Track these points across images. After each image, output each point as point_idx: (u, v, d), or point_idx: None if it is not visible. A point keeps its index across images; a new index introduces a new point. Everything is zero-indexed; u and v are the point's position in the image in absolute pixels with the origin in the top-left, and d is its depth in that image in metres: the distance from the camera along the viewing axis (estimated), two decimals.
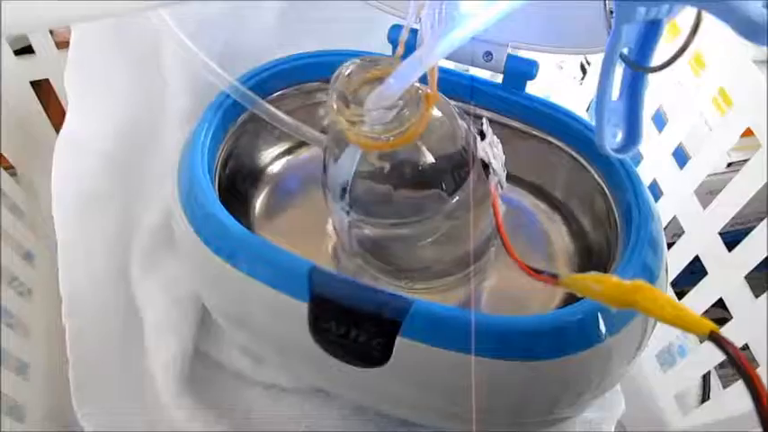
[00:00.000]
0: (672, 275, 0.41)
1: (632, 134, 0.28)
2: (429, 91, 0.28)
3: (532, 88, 0.38)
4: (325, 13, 0.45)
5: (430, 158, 0.30)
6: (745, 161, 0.35)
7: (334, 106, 0.28)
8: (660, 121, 0.43)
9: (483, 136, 0.31)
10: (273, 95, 0.39)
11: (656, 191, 0.43)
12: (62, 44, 0.49)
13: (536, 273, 0.26)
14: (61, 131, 0.43)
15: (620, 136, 0.29)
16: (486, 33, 0.36)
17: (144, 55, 0.42)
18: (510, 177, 0.40)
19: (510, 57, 0.36)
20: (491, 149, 0.30)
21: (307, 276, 0.31)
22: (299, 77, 0.40)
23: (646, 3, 0.21)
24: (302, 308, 0.31)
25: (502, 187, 0.31)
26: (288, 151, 0.43)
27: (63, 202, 0.43)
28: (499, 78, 0.38)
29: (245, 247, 0.32)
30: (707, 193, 0.40)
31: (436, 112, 0.31)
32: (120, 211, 0.44)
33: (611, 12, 0.24)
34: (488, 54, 0.36)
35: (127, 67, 0.43)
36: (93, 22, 0.39)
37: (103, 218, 0.44)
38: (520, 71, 0.37)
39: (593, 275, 0.23)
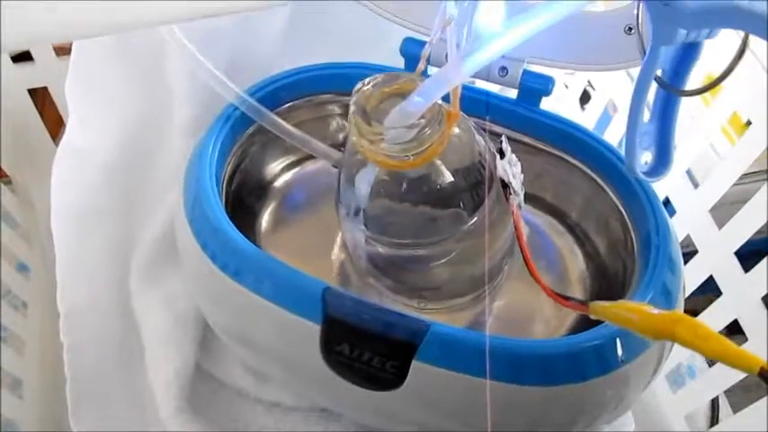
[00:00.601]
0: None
1: (663, 158, 0.27)
2: (451, 109, 0.28)
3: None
4: (333, 24, 0.44)
5: (449, 177, 0.30)
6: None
7: (354, 123, 0.27)
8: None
9: (503, 154, 0.30)
10: (283, 107, 0.38)
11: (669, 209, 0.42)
12: (61, 51, 0.48)
13: (564, 299, 0.25)
14: (61, 141, 0.42)
15: (647, 158, 0.28)
16: None
17: (148, 64, 0.41)
18: (525, 196, 0.40)
19: (525, 72, 0.36)
20: (510, 168, 0.30)
21: (320, 297, 0.30)
22: (310, 89, 0.39)
23: (687, 25, 0.21)
24: (313, 329, 0.30)
25: (521, 207, 0.30)
26: (295, 163, 0.42)
27: (62, 215, 0.41)
28: (511, 93, 0.37)
29: (254, 265, 0.32)
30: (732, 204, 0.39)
31: (455, 129, 0.30)
32: (120, 224, 0.43)
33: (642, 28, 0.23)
34: (504, 69, 0.36)
35: (130, 76, 0.42)
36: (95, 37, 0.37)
37: (104, 231, 0.42)
38: (536, 87, 0.36)
39: (625, 304, 0.22)
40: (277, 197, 0.41)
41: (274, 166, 0.41)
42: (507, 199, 0.29)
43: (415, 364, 0.29)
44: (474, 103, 0.37)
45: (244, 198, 0.39)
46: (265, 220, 0.40)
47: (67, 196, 0.42)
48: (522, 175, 0.31)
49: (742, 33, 0.22)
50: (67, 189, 0.42)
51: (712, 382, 0.41)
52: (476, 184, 0.30)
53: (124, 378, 0.41)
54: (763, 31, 0.18)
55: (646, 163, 0.27)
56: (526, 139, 0.37)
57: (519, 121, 0.37)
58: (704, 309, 0.39)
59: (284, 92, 0.38)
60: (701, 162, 0.45)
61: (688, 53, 0.24)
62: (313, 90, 0.39)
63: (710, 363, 0.44)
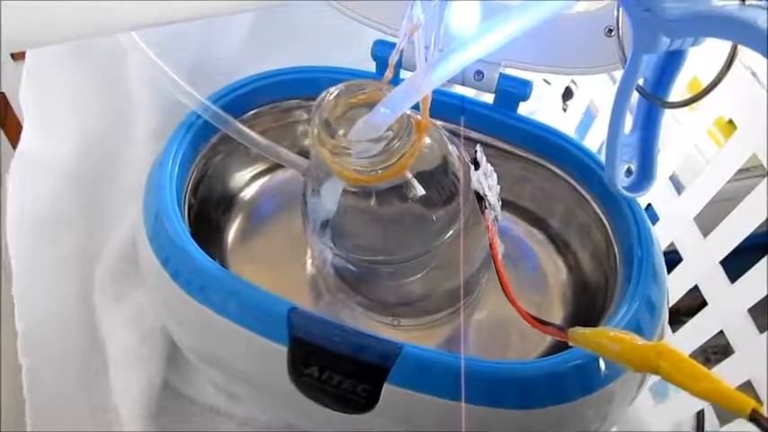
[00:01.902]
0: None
1: (646, 171, 0.26)
2: (420, 119, 0.26)
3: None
4: (302, 25, 0.42)
5: (420, 190, 0.28)
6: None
7: (317, 135, 0.25)
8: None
9: (477, 165, 0.28)
10: (248, 114, 0.37)
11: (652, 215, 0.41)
12: (18, 56, 0.45)
13: (542, 324, 0.24)
14: (17, 150, 0.40)
15: (629, 171, 0.26)
16: None
17: (107, 69, 0.39)
18: (504, 203, 0.38)
19: (502, 76, 0.34)
20: (485, 180, 0.28)
21: (286, 318, 0.28)
22: (275, 95, 0.37)
23: (670, 33, 0.19)
24: (280, 351, 0.29)
25: (497, 220, 0.29)
26: (264, 172, 0.40)
27: (18, 228, 0.39)
28: (488, 98, 0.36)
29: (217, 284, 0.30)
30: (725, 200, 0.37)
31: (426, 140, 0.28)
32: (81, 236, 0.41)
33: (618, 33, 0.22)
34: (479, 73, 0.34)
35: (88, 81, 0.40)
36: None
37: (64, 244, 0.41)
38: (513, 92, 0.34)
39: (607, 333, 0.21)
40: (245, 208, 0.39)
41: (241, 176, 0.40)
42: (483, 212, 0.27)
43: (388, 387, 0.28)
44: (449, 108, 0.36)
45: (210, 210, 0.37)
46: (233, 232, 0.39)
47: (24, 207, 0.40)
48: (499, 187, 0.29)
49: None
50: (24, 200, 0.40)
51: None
52: (449, 197, 0.29)
53: (88, 398, 0.40)
54: (748, 40, 0.17)
55: (629, 174, 0.26)
56: (504, 145, 0.36)
57: (496, 126, 0.35)
58: (686, 307, 0.38)
59: (248, 98, 0.36)
60: (688, 163, 0.43)
61: (671, 61, 0.23)
62: (278, 96, 0.37)
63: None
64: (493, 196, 0.28)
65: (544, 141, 0.35)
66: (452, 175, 0.29)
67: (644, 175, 0.26)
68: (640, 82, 0.23)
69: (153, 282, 0.33)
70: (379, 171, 0.26)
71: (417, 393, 0.27)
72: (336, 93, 0.26)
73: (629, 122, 0.25)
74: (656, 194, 0.39)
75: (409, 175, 0.28)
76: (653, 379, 0.43)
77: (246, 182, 0.40)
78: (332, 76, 0.36)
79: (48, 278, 0.40)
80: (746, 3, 0.17)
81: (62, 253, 0.41)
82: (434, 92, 0.36)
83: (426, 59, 0.24)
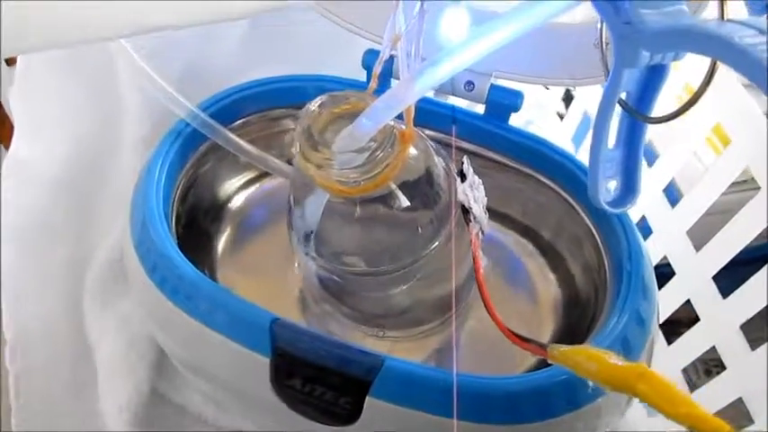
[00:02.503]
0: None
1: (629, 186, 0.25)
2: (405, 129, 0.26)
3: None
4: (296, 32, 0.42)
5: (405, 202, 0.28)
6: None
7: (300, 147, 0.25)
8: (651, 154, 0.40)
9: (463, 177, 0.28)
10: (237, 123, 0.36)
11: (645, 227, 0.40)
12: (12, 62, 0.45)
13: (523, 341, 0.23)
14: (6, 156, 0.39)
15: (614, 186, 0.26)
16: None
17: (98, 76, 0.39)
18: (494, 214, 0.38)
19: (493, 87, 0.34)
20: (471, 192, 0.28)
21: (268, 329, 0.28)
22: (264, 104, 0.37)
23: (650, 47, 0.19)
24: (264, 362, 0.28)
25: (483, 233, 0.28)
26: (253, 181, 0.40)
27: (8, 235, 0.39)
28: (480, 108, 0.36)
29: (202, 294, 0.30)
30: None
31: (411, 150, 0.28)
32: (71, 243, 0.41)
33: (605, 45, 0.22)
34: (470, 83, 0.34)
35: (78, 86, 0.39)
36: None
37: (53, 251, 0.40)
38: (504, 102, 0.34)
39: (587, 351, 0.20)
40: (235, 217, 0.39)
41: (231, 184, 0.39)
42: (467, 225, 0.27)
43: (370, 401, 0.27)
44: (440, 117, 0.36)
45: (199, 218, 0.37)
46: (223, 241, 0.38)
47: (14, 214, 0.39)
48: (486, 199, 0.29)
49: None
50: (14, 207, 0.39)
51: None
52: (435, 208, 0.28)
53: (75, 405, 0.39)
54: (725, 56, 0.16)
55: (613, 188, 0.25)
56: (494, 156, 0.35)
57: (486, 137, 0.35)
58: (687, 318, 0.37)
59: (237, 107, 0.36)
60: (687, 172, 0.42)
61: (654, 76, 0.22)
62: (266, 105, 0.37)
63: (691, 387, 0.42)
64: (479, 208, 0.28)
65: (534, 152, 0.34)
66: (438, 186, 0.29)
67: (627, 190, 0.25)
68: (624, 96, 0.23)
69: (139, 290, 0.32)
70: (362, 182, 0.26)
71: (400, 407, 0.27)
72: (320, 103, 0.26)
73: (613, 137, 0.24)
74: (650, 207, 0.39)
75: (393, 186, 0.27)
76: None
77: (236, 190, 0.39)
78: (320, 84, 0.35)
79: (36, 285, 0.40)
80: (725, 19, 0.17)
81: (51, 259, 0.40)
82: (426, 101, 0.36)
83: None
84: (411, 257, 0.29)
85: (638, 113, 0.23)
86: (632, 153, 0.24)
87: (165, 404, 0.39)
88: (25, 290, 0.39)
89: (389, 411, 0.27)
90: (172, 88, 0.32)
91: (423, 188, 0.28)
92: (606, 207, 0.25)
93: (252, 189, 0.40)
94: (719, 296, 0.34)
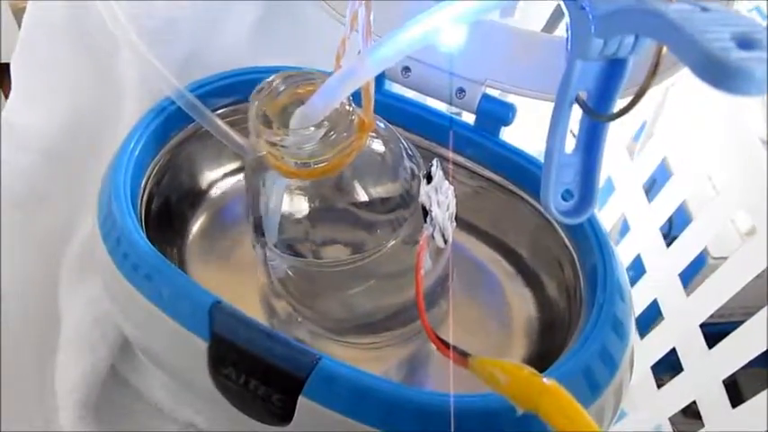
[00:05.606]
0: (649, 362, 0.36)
1: (586, 195, 0.23)
2: (364, 117, 0.25)
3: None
4: (307, 20, 0.41)
5: (362, 196, 0.26)
6: None
7: (252, 125, 0.24)
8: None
9: (430, 179, 0.26)
10: (228, 107, 0.36)
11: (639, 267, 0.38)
12: None
13: (445, 347, 0.22)
14: None
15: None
16: (461, 67, 0.33)
17: (102, 50, 0.39)
18: (472, 229, 0.36)
19: (485, 97, 0.32)
20: (436, 195, 0.26)
21: (208, 312, 0.27)
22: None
23: (600, 32, 0.17)
24: (203, 346, 0.27)
25: (446, 242, 0.27)
26: (236, 171, 0.39)
27: None
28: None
29: (154, 273, 0.29)
30: None
31: (379, 147, 0.27)
32: (55, 214, 0.41)
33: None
34: (461, 91, 0.32)
35: (80, 57, 0.39)
36: None
37: (37, 220, 0.40)
38: (494, 114, 0.33)
39: (502, 364, 0.18)
40: (211, 206, 0.38)
41: (213, 172, 0.38)
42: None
43: (303, 401, 0.26)
44: (432, 126, 0.34)
45: (172, 203, 0.36)
46: (195, 230, 0.37)
47: (1, 179, 0.39)
48: (455, 209, 0.28)
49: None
50: (1, 171, 0.39)
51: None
52: (395, 207, 0.27)
53: (40, 375, 0.39)
54: (672, 42, 0.15)
55: (569, 197, 0.23)
56: (481, 170, 0.34)
57: (473, 148, 0.33)
58: None
59: (229, 91, 0.35)
60: (698, 193, 0.40)
61: (613, 72, 0.21)
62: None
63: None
64: (441, 213, 0.26)
65: (519, 168, 0.32)
66: (402, 188, 0.27)
67: (584, 199, 0.23)
68: (584, 96, 0.21)
69: (101, 267, 0.32)
70: (313, 165, 0.25)
71: (335, 413, 0.25)
72: (278, 81, 0.25)
73: (571, 143, 0.23)
74: (645, 246, 0.36)
75: (354, 180, 0.26)
76: None
77: (218, 178, 0.38)
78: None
79: (17, 253, 0.40)
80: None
81: (34, 228, 0.40)
82: (420, 108, 0.35)
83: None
84: (362, 251, 0.27)
85: (593, 113, 0.21)
86: (591, 158, 0.23)
87: (120, 386, 0.38)
88: (4, 257, 0.39)
89: (323, 415, 0.26)
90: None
91: (385, 184, 0.27)
92: (559, 217, 0.23)
93: (235, 179, 0.38)
94: (706, 347, 0.32)
